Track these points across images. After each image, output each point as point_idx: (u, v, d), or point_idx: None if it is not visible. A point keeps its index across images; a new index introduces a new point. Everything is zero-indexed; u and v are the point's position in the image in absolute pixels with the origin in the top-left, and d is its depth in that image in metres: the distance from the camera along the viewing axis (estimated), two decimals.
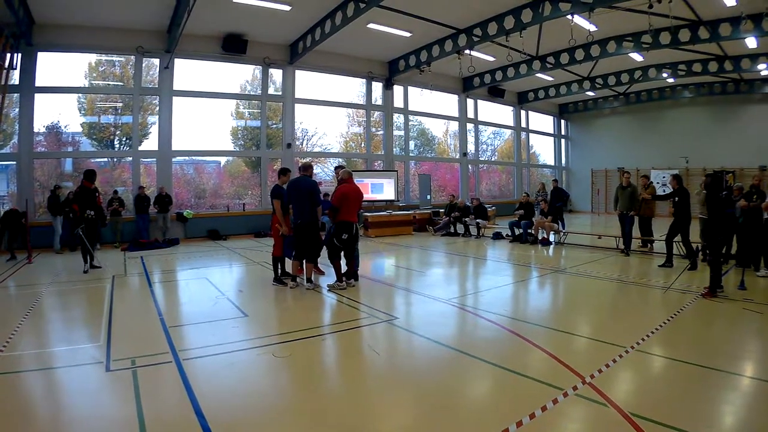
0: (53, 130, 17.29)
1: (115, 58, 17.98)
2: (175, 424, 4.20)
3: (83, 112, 17.85)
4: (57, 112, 17.12)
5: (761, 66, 20.80)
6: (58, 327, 7.46)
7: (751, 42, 18.19)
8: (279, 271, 10.27)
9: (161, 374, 5.27)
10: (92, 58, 17.57)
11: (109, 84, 18.12)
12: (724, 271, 9.54)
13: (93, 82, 17.80)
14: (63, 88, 16.93)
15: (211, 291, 9.71)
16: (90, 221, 11.76)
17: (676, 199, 11.99)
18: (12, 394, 4.82)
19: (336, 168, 11.76)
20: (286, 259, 10.33)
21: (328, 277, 10.55)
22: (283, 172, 10.28)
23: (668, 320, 7.35)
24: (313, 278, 9.93)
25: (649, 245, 14.40)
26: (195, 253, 15.25)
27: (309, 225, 9.52)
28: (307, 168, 9.94)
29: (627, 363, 5.63)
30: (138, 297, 9.45)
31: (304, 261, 9.78)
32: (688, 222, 11.97)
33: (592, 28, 16.35)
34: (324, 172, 22.98)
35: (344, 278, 9.83)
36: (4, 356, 5.77)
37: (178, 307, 8.84)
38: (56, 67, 16.57)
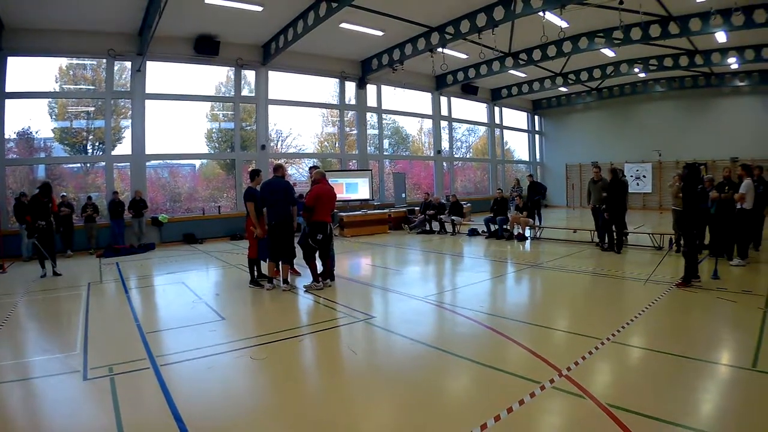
0: (24, 137, 17.00)
1: (86, 61, 17.70)
2: (155, 431, 4.20)
3: (54, 117, 17.57)
4: (28, 118, 16.85)
5: (731, 60, 21.10)
6: (35, 336, 7.38)
7: (721, 36, 18.41)
8: (255, 273, 10.26)
9: (139, 381, 5.26)
10: (63, 62, 17.27)
11: (80, 88, 17.83)
12: (699, 259, 9.70)
13: (64, 86, 17.50)
14: (34, 93, 16.64)
15: (188, 295, 9.67)
16: (42, 231, 11.92)
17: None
18: None
19: (310, 168, 11.79)
20: (262, 261, 10.31)
21: (305, 278, 10.53)
22: (256, 173, 10.28)
23: (643, 311, 7.50)
24: (289, 279, 9.99)
25: (624, 237, 14.57)
26: (171, 257, 15.15)
27: (284, 226, 9.58)
28: (278, 168, 10.04)
29: (603, 354, 5.74)
30: (114, 304, 9.37)
31: (280, 262, 9.83)
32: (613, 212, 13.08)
33: (564, 24, 16.51)
34: (299, 173, 22.92)
35: (320, 278, 9.82)
36: None
37: (155, 313, 8.81)
38: (26, 71, 16.32)
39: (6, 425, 4.41)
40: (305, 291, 9.55)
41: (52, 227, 12.39)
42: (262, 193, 9.70)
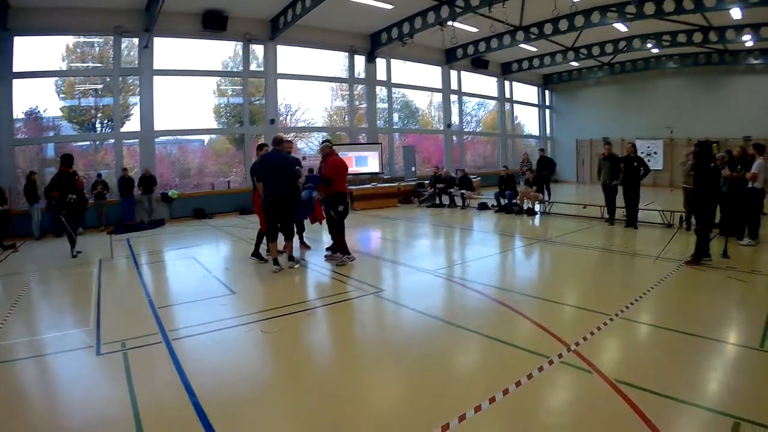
0: (33, 116, 16.93)
1: (93, 39, 17.56)
2: (167, 404, 4.27)
3: (63, 95, 17.49)
4: (36, 97, 16.78)
5: (746, 37, 20.75)
6: (48, 314, 7.44)
7: (736, 13, 18.07)
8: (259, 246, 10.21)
9: (151, 355, 5.33)
10: (70, 40, 17.14)
11: (88, 66, 17.74)
12: (710, 238, 9.65)
13: (71, 64, 17.39)
14: (41, 72, 16.49)
15: (199, 270, 9.74)
16: (72, 205, 11.49)
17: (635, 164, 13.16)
18: (6, 383, 4.85)
19: (324, 142, 11.66)
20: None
21: (314, 252, 10.63)
22: (260, 147, 10.13)
23: (652, 288, 7.50)
24: (298, 255, 9.94)
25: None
26: (181, 232, 15.25)
27: (281, 203, 9.10)
28: (279, 142, 9.36)
29: (612, 330, 5.76)
30: (126, 279, 9.44)
31: (286, 239, 9.60)
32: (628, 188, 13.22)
33: None
34: (308, 147, 22.89)
35: (347, 251, 9.82)
36: None
37: (166, 288, 8.88)
38: (33, 51, 16.19)
39: (22, 401, 4.50)
40: (336, 264, 9.53)
41: (84, 201, 12.25)
42: (260, 167, 9.26)
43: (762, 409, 3.90)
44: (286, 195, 9.15)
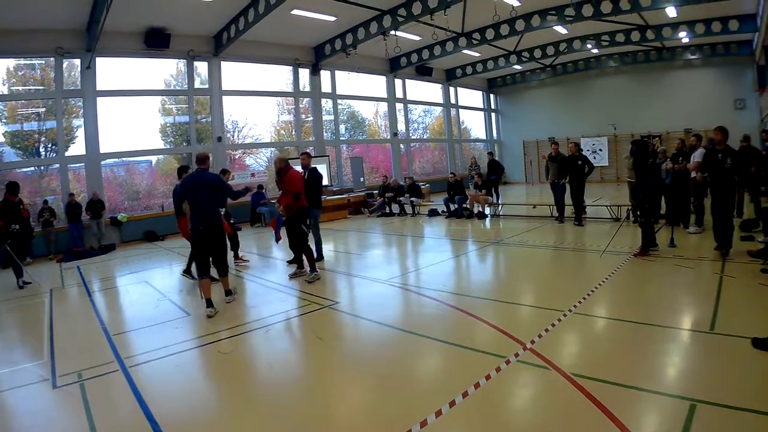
0: None
1: (34, 61, 17.13)
2: None
3: (4, 120, 17.02)
4: None
5: (681, 34, 21.52)
6: None
7: (671, 11, 18.88)
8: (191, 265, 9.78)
9: (109, 384, 5.26)
10: (10, 63, 16.68)
11: (29, 89, 17.26)
12: (656, 229, 9.97)
13: (13, 88, 16.90)
14: None
15: (152, 294, 9.61)
16: (17, 235, 11.22)
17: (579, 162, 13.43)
18: None
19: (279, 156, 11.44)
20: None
21: (263, 269, 10.53)
22: (183, 170, 9.81)
23: (604, 281, 7.76)
24: (231, 288, 8.56)
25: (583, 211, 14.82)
26: (133, 256, 14.95)
27: (214, 231, 7.88)
28: (203, 159, 8.02)
29: (566, 326, 5.94)
30: (78, 308, 9.25)
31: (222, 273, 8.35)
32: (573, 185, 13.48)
33: (516, 3, 16.71)
34: (257, 163, 22.78)
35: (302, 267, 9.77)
36: None
37: (120, 314, 8.70)
38: None
39: None
40: (308, 282, 9.30)
41: (30, 230, 11.85)
42: (183, 190, 8.12)
43: (715, 389, 4.09)
44: (217, 221, 7.98)
